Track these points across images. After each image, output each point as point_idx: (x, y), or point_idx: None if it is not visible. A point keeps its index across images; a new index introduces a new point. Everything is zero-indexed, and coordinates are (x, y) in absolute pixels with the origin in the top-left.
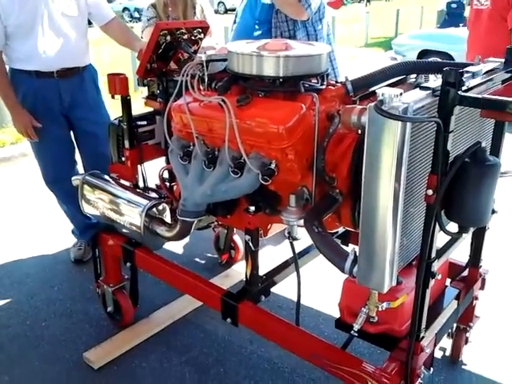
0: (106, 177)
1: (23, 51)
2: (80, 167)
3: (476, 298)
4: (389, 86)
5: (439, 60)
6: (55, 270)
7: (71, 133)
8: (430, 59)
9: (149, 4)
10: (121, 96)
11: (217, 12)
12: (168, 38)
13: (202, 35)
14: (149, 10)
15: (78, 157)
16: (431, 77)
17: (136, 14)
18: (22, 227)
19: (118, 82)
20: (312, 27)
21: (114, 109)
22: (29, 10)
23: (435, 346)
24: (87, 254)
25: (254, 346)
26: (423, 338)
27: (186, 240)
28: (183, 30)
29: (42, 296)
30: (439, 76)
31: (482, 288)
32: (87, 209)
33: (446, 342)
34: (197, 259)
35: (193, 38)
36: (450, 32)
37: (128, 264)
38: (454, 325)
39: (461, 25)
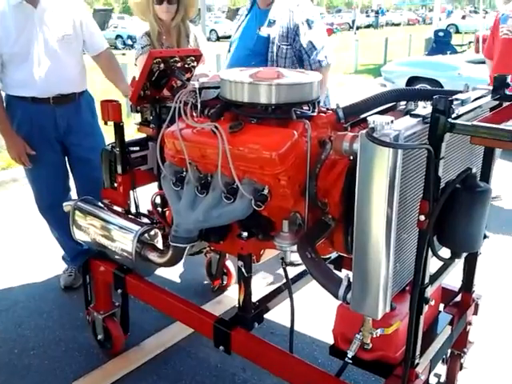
0: (98, 203)
1: (19, 78)
2: (73, 193)
3: (469, 324)
4: (379, 113)
5: (428, 87)
6: (45, 297)
7: (66, 158)
8: (418, 86)
9: (143, 32)
10: (114, 122)
11: (209, 39)
12: (161, 65)
13: (195, 63)
14: (143, 38)
15: (71, 183)
16: (420, 104)
17: (129, 42)
18: (11, 253)
19: (111, 109)
20: None
21: (106, 133)
22: (25, 38)
23: (430, 372)
24: (77, 281)
25: (248, 374)
26: (418, 364)
27: (178, 266)
28: (176, 58)
29: (30, 324)
30: (428, 103)
31: (475, 313)
32: (78, 235)
33: (441, 369)
34: (188, 285)
35: (186, 65)
36: (438, 59)
37: (119, 290)
38: (449, 351)
39: (448, 52)
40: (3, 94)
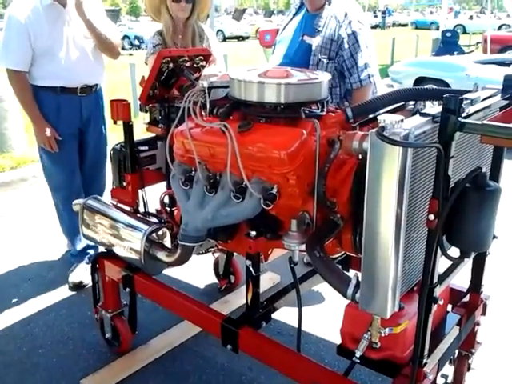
0: (107, 201)
1: (49, 70)
2: None
3: (478, 324)
4: (388, 112)
5: (436, 87)
6: (53, 295)
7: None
8: (427, 86)
9: (155, 31)
10: (123, 121)
11: None
12: (170, 65)
13: (204, 62)
14: (155, 37)
15: None
16: (428, 103)
17: (136, 42)
18: (20, 252)
19: (120, 108)
20: None
21: (114, 133)
22: (56, 33)
23: (438, 372)
24: (85, 279)
25: (254, 374)
26: (426, 364)
27: (186, 265)
28: (185, 58)
29: (39, 322)
30: (435, 103)
31: (483, 314)
32: (87, 234)
33: (448, 369)
34: (196, 285)
35: (195, 65)
36: (445, 60)
37: (127, 289)
38: (456, 351)
39: (456, 53)
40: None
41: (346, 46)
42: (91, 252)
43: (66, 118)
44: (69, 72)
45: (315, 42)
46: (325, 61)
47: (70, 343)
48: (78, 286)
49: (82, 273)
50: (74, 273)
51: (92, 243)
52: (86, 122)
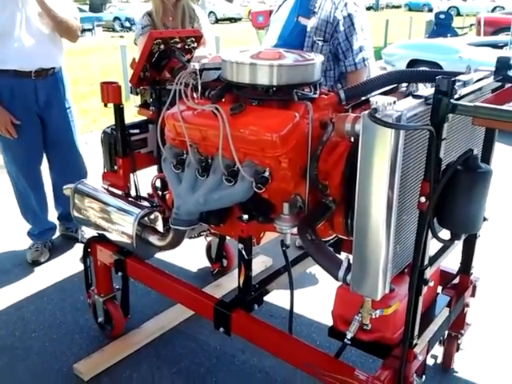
0: (98, 186)
1: (2, 52)
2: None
3: (467, 306)
4: (381, 94)
5: (429, 69)
6: (44, 280)
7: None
8: (420, 68)
9: (144, 12)
10: (114, 104)
11: None
12: (161, 46)
13: (195, 44)
14: (144, 18)
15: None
16: (421, 85)
17: (127, 24)
18: (10, 237)
19: (110, 91)
20: None
21: (105, 117)
22: (8, 15)
23: (427, 353)
24: (44, 256)
25: (247, 356)
26: (416, 345)
27: (178, 249)
28: (176, 39)
29: (30, 307)
30: (428, 85)
31: (473, 295)
32: (79, 218)
33: (438, 350)
34: (188, 268)
35: (186, 46)
36: (438, 42)
37: (119, 273)
38: (446, 332)
39: (449, 35)
40: None
41: (342, 28)
42: (50, 233)
43: (21, 102)
44: (22, 55)
45: (310, 23)
46: (320, 43)
47: (62, 327)
48: (36, 263)
49: (39, 251)
50: (32, 250)
51: (51, 225)
52: (45, 106)
